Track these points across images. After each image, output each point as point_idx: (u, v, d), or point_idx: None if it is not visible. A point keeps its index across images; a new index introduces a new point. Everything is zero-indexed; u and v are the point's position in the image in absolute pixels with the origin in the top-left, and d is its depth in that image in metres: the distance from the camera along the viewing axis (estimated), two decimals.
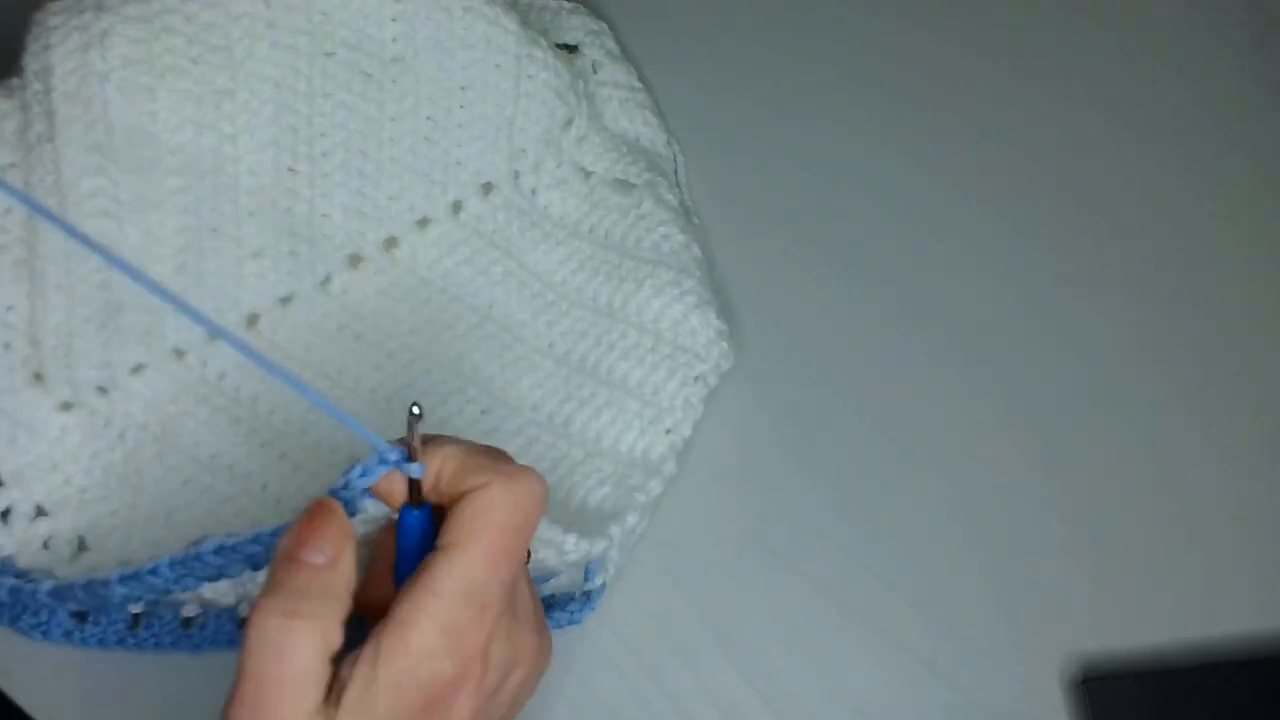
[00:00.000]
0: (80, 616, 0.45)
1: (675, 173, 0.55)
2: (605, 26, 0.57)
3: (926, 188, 0.55)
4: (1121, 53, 0.57)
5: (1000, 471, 0.50)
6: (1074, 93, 0.57)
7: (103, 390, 0.47)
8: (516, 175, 0.52)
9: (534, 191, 0.53)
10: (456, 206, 0.52)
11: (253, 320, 0.49)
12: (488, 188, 0.52)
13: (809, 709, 0.47)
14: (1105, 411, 0.51)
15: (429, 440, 0.36)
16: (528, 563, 0.40)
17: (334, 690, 0.34)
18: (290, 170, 0.48)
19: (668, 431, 0.49)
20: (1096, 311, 0.53)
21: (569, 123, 0.52)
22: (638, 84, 0.56)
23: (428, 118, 0.50)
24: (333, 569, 0.34)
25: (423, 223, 0.51)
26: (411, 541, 0.37)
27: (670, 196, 0.53)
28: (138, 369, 0.47)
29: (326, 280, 0.50)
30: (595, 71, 0.55)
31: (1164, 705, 0.47)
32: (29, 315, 0.45)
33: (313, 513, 0.35)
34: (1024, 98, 0.57)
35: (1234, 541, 0.49)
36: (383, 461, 0.35)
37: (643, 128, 0.55)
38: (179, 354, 0.48)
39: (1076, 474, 0.50)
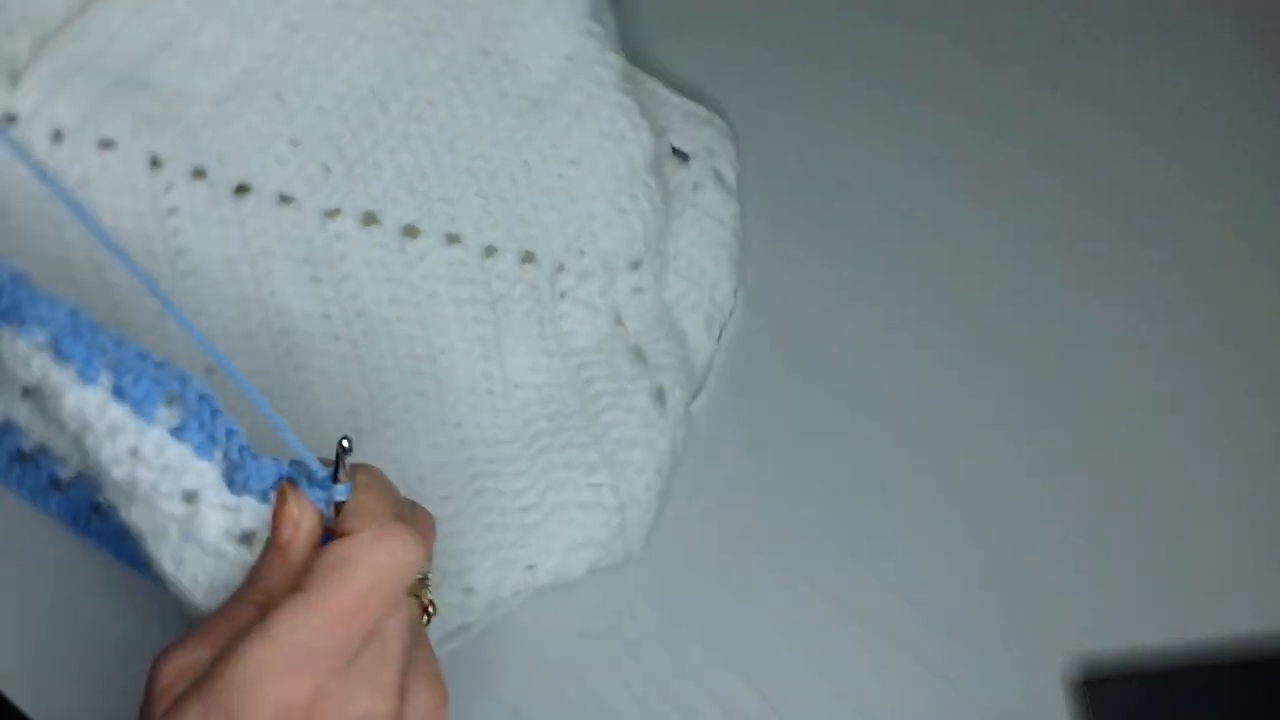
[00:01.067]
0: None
1: (719, 334, 0.52)
2: (729, 146, 0.54)
3: (927, 188, 0.55)
4: (1123, 53, 0.57)
5: (1001, 471, 0.50)
6: (1075, 93, 0.57)
7: None
8: (560, 268, 0.50)
9: (562, 295, 0.50)
10: (489, 250, 0.50)
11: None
12: (529, 256, 0.50)
13: (809, 709, 0.47)
14: (1106, 411, 0.51)
15: (356, 467, 0.36)
16: (427, 621, 0.39)
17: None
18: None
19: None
20: (1097, 311, 0.53)
21: (635, 265, 0.50)
22: (729, 219, 0.52)
23: (524, 162, 0.49)
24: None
25: (452, 238, 0.50)
26: None
27: (678, 393, 0.49)
28: None
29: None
30: (694, 190, 0.52)
31: (1165, 706, 0.47)
32: None
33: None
34: (1024, 98, 0.57)
35: (1235, 542, 0.49)
36: (312, 481, 0.35)
37: (709, 265, 0.52)
38: None
39: (1077, 474, 0.50)
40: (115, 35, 0.46)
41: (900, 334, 0.53)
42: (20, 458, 0.47)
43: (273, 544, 0.36)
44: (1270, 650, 0.48)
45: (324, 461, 0.36)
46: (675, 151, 0.52)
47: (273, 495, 0.36)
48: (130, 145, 0.47)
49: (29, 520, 0.49)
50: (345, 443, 0.35)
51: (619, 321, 0.50)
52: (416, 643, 0.37)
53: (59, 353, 0.34)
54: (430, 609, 0.39)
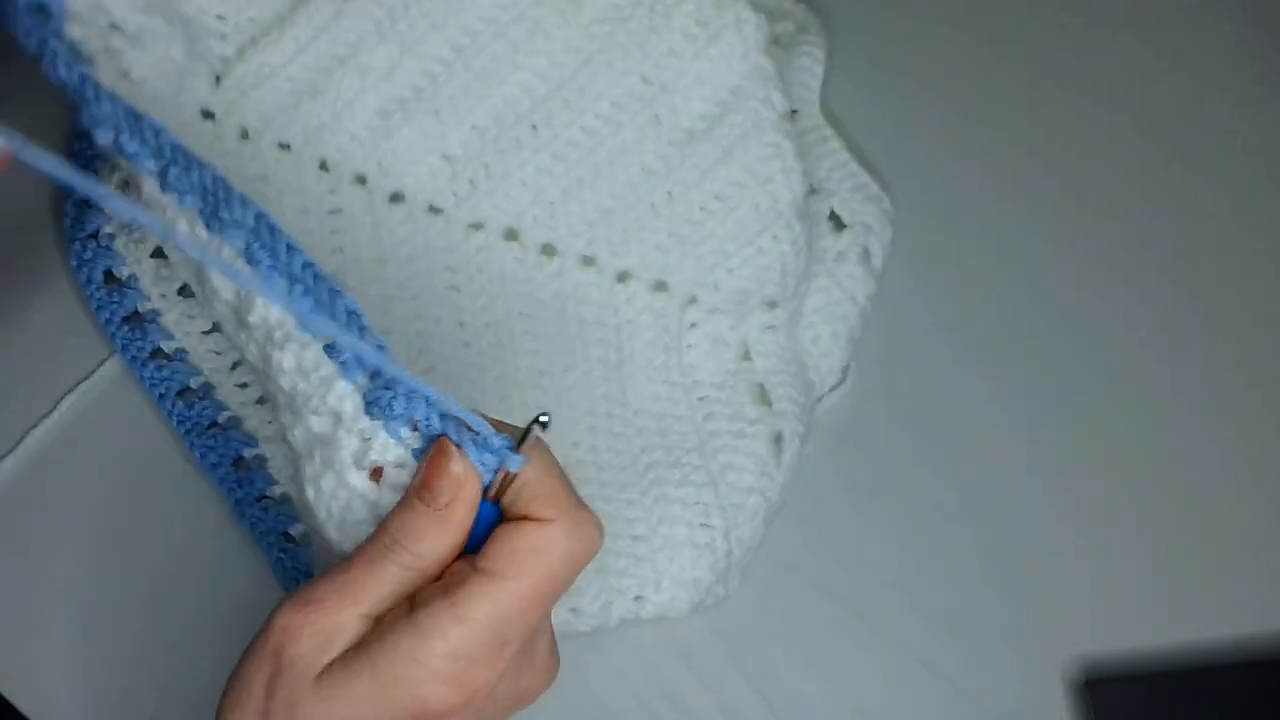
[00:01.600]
0: None
1: (812, 406, 0.51)
2: (886, 228, 0.53)
3: (929, 189, 0.55)
4: (1124, 52, 0.57)
5: (1002, 472, 0.50)
6: (1077, 94, 0.56)
7: None
8: (692, 300, 0.50)
9: (691, 326, 0.50)
10: (623, 276, 0.50)
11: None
12: (660, 285, 0.50)
13: (809, 709, 0.48)
14: (1107, 412, 0.51)
15: (534, 447, 0.35)
16: None
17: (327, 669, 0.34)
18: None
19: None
20: (1098, 312, 0.53)
21: (771, 304, 0.50)
22: (861, 299, 0.52)
23: (668, 191, 0.50)
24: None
25: (588, 260, 0.51)
26: (476, 531, 0.35)
27: (796, 442, 0.49)
28: None
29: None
30: (836, 260, 0.52)
31: (1166, 707, 0.47)
32: None
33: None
34: (1027, 99, 0.57)
35: (1237, 543, 0.49)
36: (487, 448, 0.35)
37: (825, 336, 0.51)
38: None
39: (1078, 475, 0.50)
40: (303, 48, 0.50)
41: (900, 335, 0.53)
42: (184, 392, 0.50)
43: (426, 502, 0.34)
44: (1270, 650, 0.48)
45: (495, 424, 0.35)
46: (833, 216, 0.52)
47: (407, 434, 0.35)
48: (303, 149, 0.51)
49: (30, 520, 0.49)
50: (544, 418, 0.34)
51: (747, 356, 0.50)
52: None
53: (250, 258, 0.37)
54: None
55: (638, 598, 0.46)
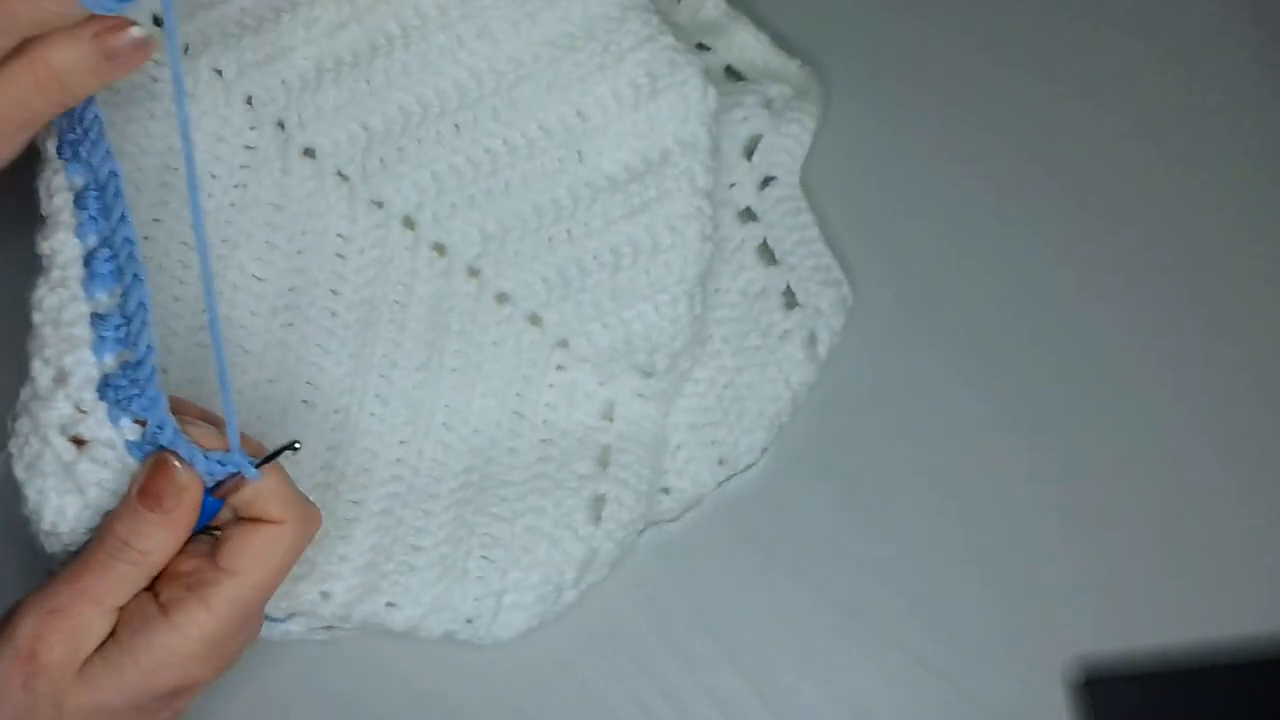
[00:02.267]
0: None
1: (725, 480, 0.51)
2: (839, 317, 0.51)
3: (929, 189, 0.55)
4: (1125, 53, 0.57)
5: (1001, 472, 0.50)
6: (1078, 94, 0.56)
7: None
8: (563, 342, 0.50)
9: (559, 368, 0.50)
10: (503, 298, 0.50)
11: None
12: (535, 319, 0.50)
13: (809, 709, 0.47)
14: (1107, 412, 0.51)
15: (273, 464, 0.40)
16: None
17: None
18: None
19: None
20: (1097, 312, 0.53)
21: (645, 374, 0.49)
22: (796, 384, 0.51)
23: (568, 230, 0.49)
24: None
25: (473, 272, 0.50)
26: (200, 522, 0.39)
27: (619, 510, 0.48)
28: None
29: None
30: (780, 339, 0.51)
31: (1166, 707, 0.47)
32: None
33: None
34: (1027, 99, 0.56)
35: (1237, 543, 0.49)
36: (224, 464, 0.39)
37: (752, 414, 0.50)
38: None
39: (1078, 475, 0.50)
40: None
41: (900, 335, 0.53)
42: None
43: (150, 508, 0.38)
44: (1270, 650, 0.48)
45: (245, 440, 0.40)
46: (787, 291, 0.51)
47: (128, 425, 0.39)
48: (233, 80, 0.50)
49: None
50: (297, 445, 0.40)
51: (609, 416, 0.49)
52: None
53: (80, 202, 0.40)
54: None
55: (389, 604, 0.46)
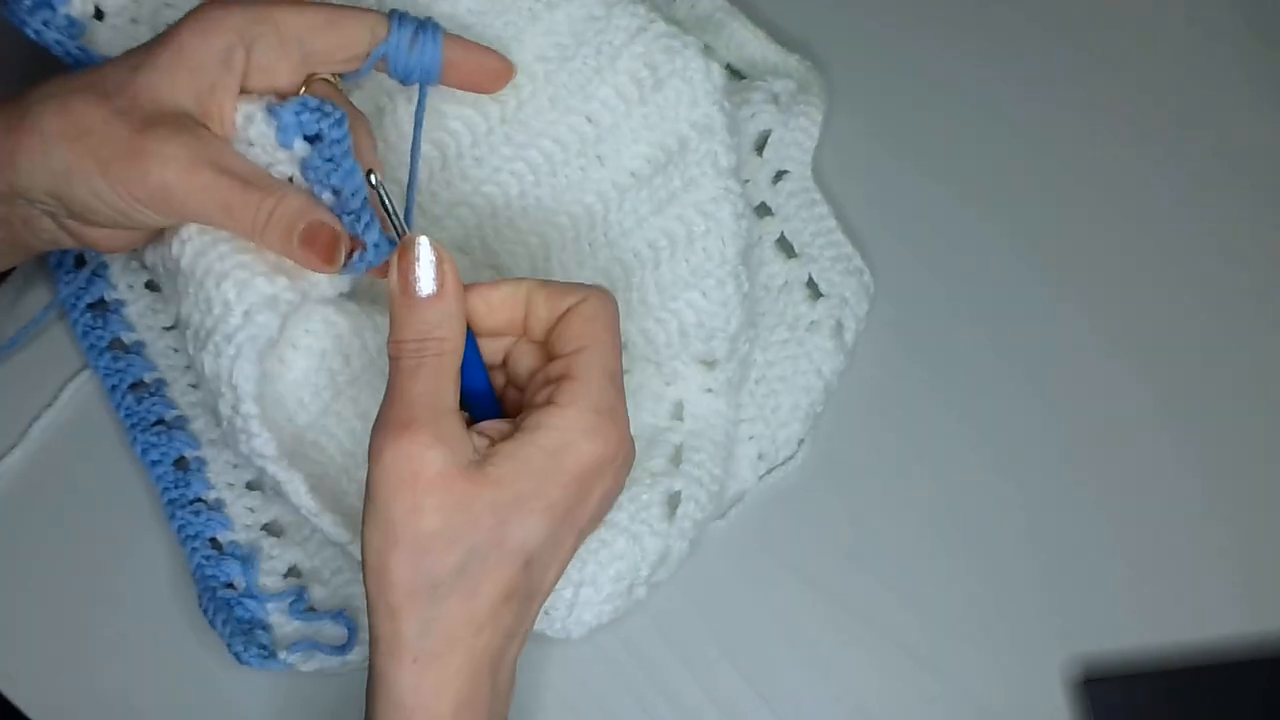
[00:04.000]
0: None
1: (766, 473, 0.51)
2: (863, 303, 0.51)
3: (929, 190, 0.54)
4: (1124, 53, 0.56)
5: (1001, 473, 0.50)
6: (1080, 94, 0.56)
7: None
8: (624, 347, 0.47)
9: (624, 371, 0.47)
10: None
11: None
12: None
13: (809, 709, 0.48)
14: (1107, 413, 0.51)
15: (505, 281, 0.41)
16: None
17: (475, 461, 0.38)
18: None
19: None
20: (1098, 313, 0.52)
21: (709, 365, 0.49)
22: (828, 373, 0.51)
23: (604, 234, 0.49)
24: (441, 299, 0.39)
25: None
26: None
27: (693, 508, 0.48)
28: None
29: None
30: (808, 330, 0.51)
31: (1166, 706, 0.48)
32: None
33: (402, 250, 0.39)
34: (1028, 99, 0.56)
35: (1236, 543, 0.50)
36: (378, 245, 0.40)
37: (786, 406, 0.50)
38: None
39: (1078, 475, 0.50)
40: None
41: (899, 336, 0.52)
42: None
43: (421, 291, 0.39)
44: (1270, 650, 0.48)
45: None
46: (811, 283, 0.51)
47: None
48: None
49: (29, 521, 0.49)
50: (372, 177, 0.41)
51: (679, 415, 0.49)
52: None
53: None
54: None
55: None
